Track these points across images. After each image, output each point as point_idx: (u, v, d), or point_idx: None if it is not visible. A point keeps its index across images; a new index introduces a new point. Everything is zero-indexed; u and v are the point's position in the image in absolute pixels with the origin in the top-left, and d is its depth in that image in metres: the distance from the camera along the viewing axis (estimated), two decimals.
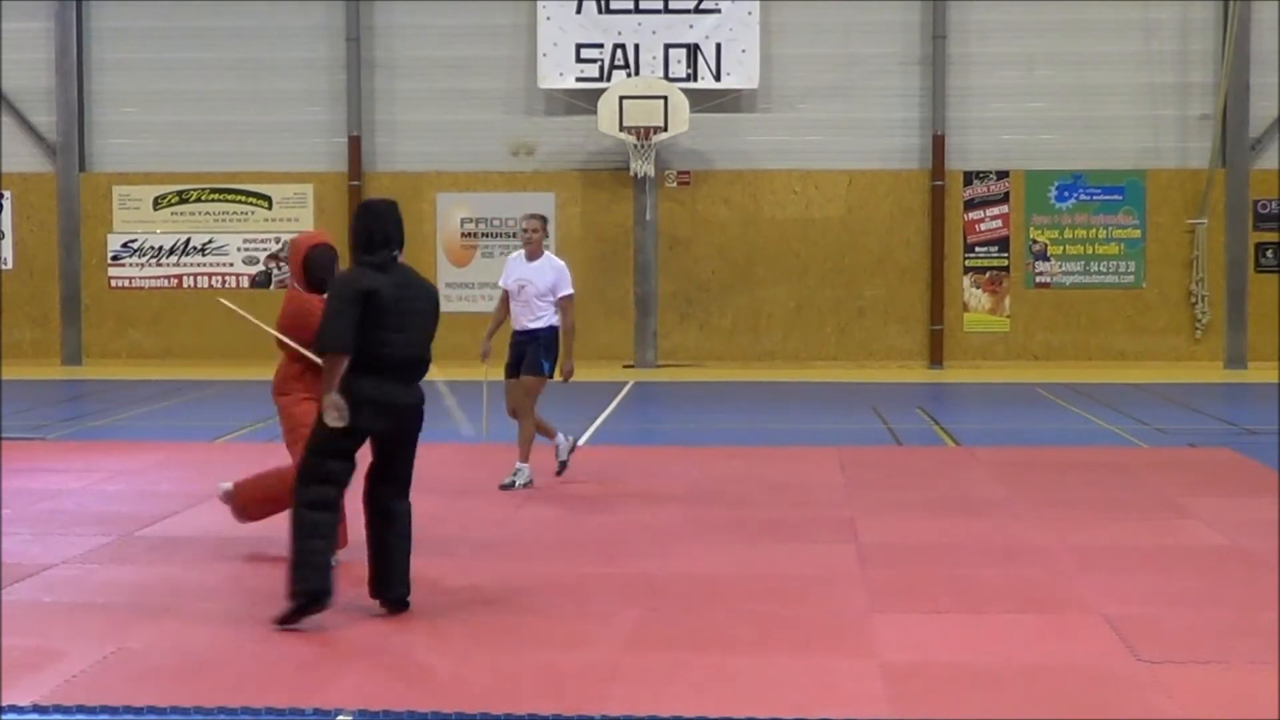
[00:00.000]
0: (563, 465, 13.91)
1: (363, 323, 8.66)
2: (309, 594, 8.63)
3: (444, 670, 7.81)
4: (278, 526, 11.32)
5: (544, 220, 13.79)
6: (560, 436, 13.93)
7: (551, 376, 13.52)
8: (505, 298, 13.70)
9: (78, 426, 18.44)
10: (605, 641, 8.36)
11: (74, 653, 8.04)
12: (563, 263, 13.75)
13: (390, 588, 9.04)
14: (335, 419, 8.56)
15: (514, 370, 13.52)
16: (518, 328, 13.49)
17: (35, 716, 7.08)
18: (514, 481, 13.41)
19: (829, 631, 8.59)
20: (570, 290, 13.58)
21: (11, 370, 25.47)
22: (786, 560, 10.53)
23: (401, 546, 9.07)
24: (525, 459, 13.54)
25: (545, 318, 13.44)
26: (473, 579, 9.92)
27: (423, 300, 9.16)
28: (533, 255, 13.51)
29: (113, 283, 27.17)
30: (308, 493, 8.76)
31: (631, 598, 9.30)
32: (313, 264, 10.31)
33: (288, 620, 8.62)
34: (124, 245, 27.08)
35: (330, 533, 8.78)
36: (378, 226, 9.14)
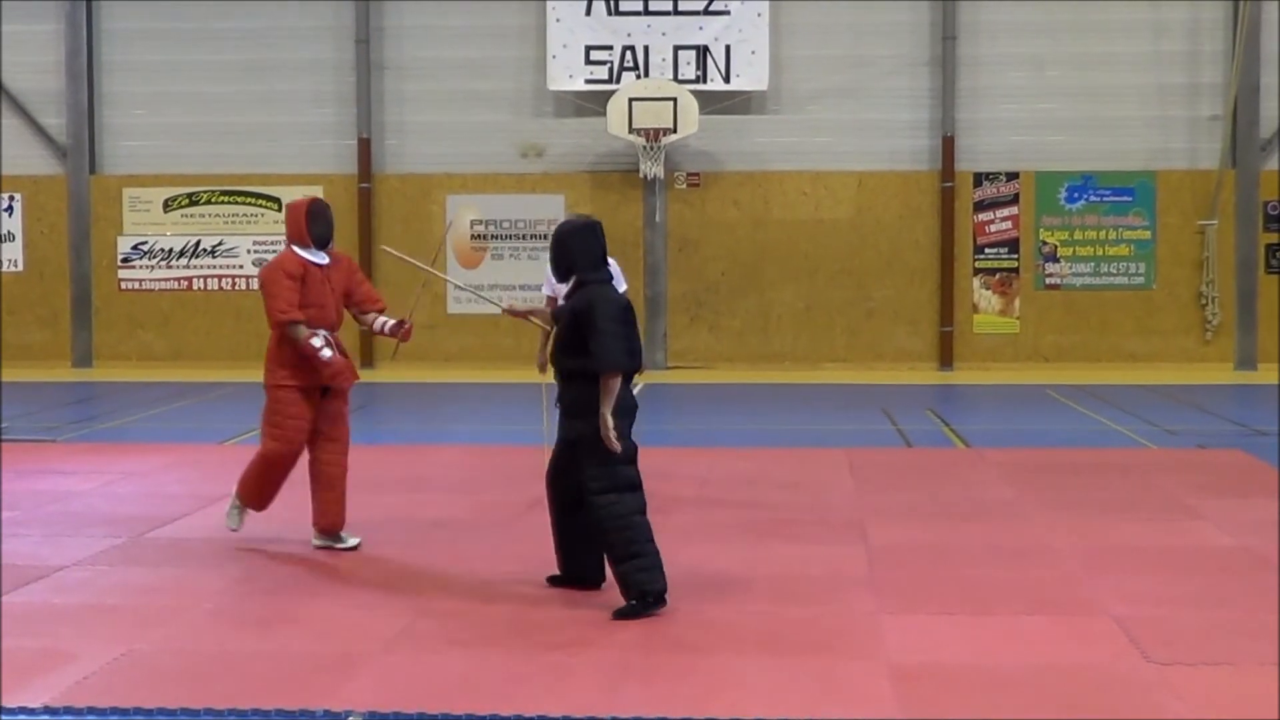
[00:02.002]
0: None
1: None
2: (658, 593, 9.02)
3: (454, 671, 7.82)
4: (287, 528, 11.36)
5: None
6: None
7: None
8: (551, 305, 12.88)
9: (88, 428, 18.47)
10: (614, 642, 8.37)
11: (85, 654, 8.06)
12: (613, 261, 13.36)
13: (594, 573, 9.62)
14: (616, 443, 9.01)
15: None
16: None
17: (46, 718, 7.10)
18: None
19: (838, 633, 8.60)
20: (626, 286, 12.95)
21: (22, 372, 25.52)
22: (796, 561, 10.54)
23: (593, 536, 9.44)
24: None
25: None
26: (482, 579, 9.93)
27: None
28: None
29: (123, 285, 27.20)
30: (631, 501, 9.13)
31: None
32: (317, 218, 10.63)
33: (632, 616, 8.93)
34: (134, 247, 27.12)
35: (652, 534, 9.19)
36: (599, 245, 9.48)
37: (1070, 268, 26.43)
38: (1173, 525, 11.86)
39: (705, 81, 26.09)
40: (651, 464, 14.80)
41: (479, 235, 26.79)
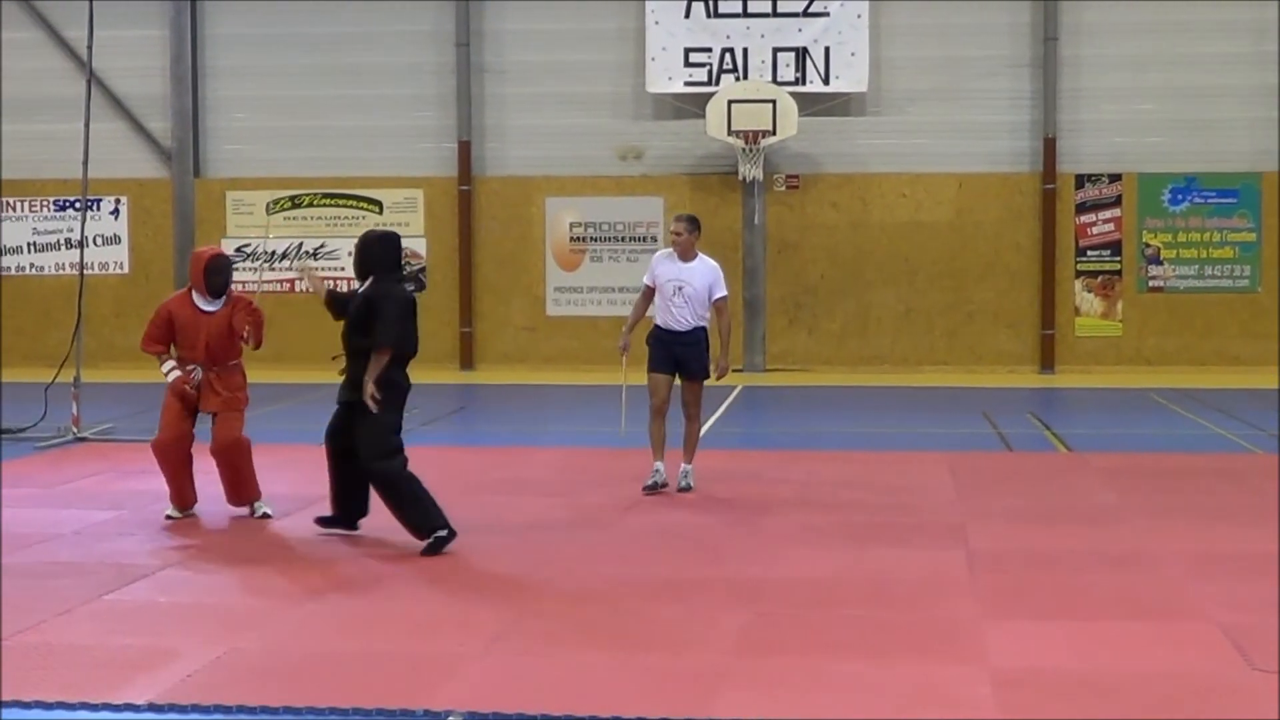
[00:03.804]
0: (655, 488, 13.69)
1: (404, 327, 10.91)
2: (445, 525, 10.77)
3: (552, 672, 7.84)
4: (387, 530, 11.45)
5: (690, 221, 13.61)
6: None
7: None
8: (647, 294, 13.63)
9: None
10: (712, 645, 8.35)
11: (188, 652, 8.14)
12: (716, 263, 13.72)
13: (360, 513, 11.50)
14: (375, 404, 10.69)
15: (668, 366, 13.41)
16: (673, 325, 13.37)
17: (151, 715, 7.18)
18: (690, 484, 13.42)
19: (938, 637, 8.54)
20: (726, 291, 13.60)
21: (128, 374, 25.80)
22: (895, 565, 10.49)
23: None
24: (691, 460, 13.58)
25: (704, 318, 13.46)
26: (581, 581, 9.96)
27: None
28: (686, 256, 13.46)
29: None
30: (400, 460, 10.92)
31: (739, 601, 9.30)
32: (216, 272, 12.34)
33: (437, 550, 10.69)
34: (237, 250, 27.33)
35: (418, 479, 10.95)
36: (395, 252, 11.44)
37: (1174, 270, 26.16)
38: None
39: (804, 83, 26.02)
40: (751, 467, 14.84)
41: (578, 238, 26.86)
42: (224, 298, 12.48)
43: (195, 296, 12.41)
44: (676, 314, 13.36)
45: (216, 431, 12.55)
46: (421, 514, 10.81)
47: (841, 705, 7.24)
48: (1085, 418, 21.05)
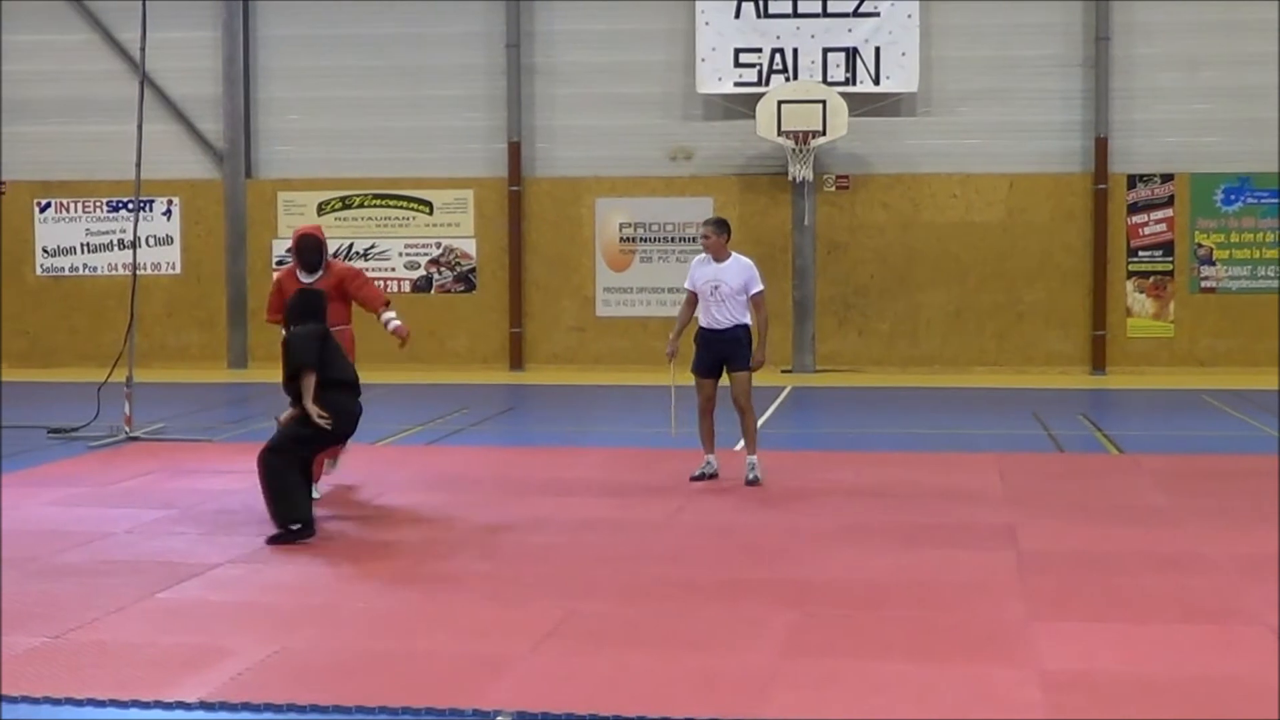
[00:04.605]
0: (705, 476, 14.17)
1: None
2: (299, 522, 11.30)
3: (600, 673, 7.85)
4: (438, 529, 11.47)
5: (717, 224, 14.15)
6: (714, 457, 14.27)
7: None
8: (690, 300, 14.13)
9: (244, 429, 18.75)
10: (761, 646, 8.35)
11: (239, 651, 8.18)
12: (749, 260, 14.19)
13: None
14: (321, 420, 11.36)
15: (713, 368, 13.95)
16: (714, 325, 13.89)
17: (202, 713, 7.22)
18: (757, 477, 13.80)
19: (987, 639, 8.52)
20: (761, 287, 14.07)
21: (180, 373, 25.98)
22: (944, 566, 10.46)
23: None
24: (754, 451, 13.99)
25: (743, 315, 13.93)
26: (629, 581, 9.96)
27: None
28: (719, 257, 13.95)
29: None
30: (286, 461, 11.46)
31: (787, 602, 9.29)
32: (302, 251, 13.43)
33: (280, 542, 11.18)
34: (289, 250, 27.39)
35: (299, 481, 11.63)
36: (309, 307, 11.78)
37: (1226, 271, 26.01)
38: None
39: (854, 83, 25.99)
40: (800, 467, 14.84)
41: (628, 238, 26.88)
42: (321, 270, 13.42)
43: (298, 271, 13.42)
44: (716, 314, 13.87)
45: None
46: (281, 509, 11.36)
47: (891, 707, 7.23)
48: (1136, 419, 20.96)
